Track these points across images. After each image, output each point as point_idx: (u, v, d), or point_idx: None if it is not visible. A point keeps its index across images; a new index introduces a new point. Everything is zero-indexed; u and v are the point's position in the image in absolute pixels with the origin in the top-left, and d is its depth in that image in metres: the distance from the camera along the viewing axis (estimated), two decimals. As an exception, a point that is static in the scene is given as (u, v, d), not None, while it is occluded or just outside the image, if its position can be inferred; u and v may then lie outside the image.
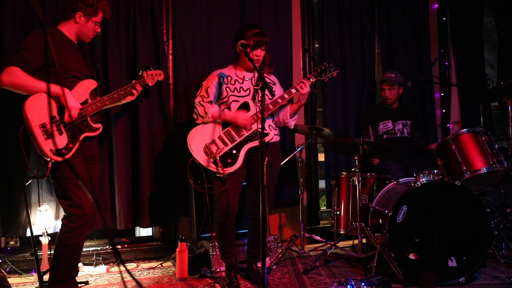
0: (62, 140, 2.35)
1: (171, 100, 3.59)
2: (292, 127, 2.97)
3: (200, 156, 2.67)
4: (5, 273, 2.98)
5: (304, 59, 4.13)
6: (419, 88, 4.46)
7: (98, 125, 2.56)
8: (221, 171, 2.62)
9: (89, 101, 2.52)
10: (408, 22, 4.46)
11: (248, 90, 2.78)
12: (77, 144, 2.41)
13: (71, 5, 2.48)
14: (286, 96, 2.76)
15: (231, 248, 2.81)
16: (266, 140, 2.75)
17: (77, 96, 2.46)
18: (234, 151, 2.70)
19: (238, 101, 2.75)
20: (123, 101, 2.83)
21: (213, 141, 2.70)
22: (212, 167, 2.65)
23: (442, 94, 4.62)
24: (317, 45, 4.21)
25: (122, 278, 2.09)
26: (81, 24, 2.51)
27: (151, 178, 3.44)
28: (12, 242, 3.53)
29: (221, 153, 2.68)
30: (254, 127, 2.71)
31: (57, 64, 2.39)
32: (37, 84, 2.32)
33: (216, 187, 2.72)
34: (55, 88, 2.36)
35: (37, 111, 2.29)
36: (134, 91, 2.78)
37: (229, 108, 2.75)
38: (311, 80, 2.81)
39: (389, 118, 3.90)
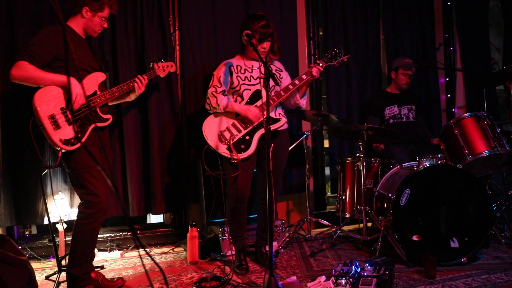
0: (70, 131, 2.45)
1: (179, 91, 3.67)
2: (304, 106, 3.05)
3: (214, 143, 2.77)
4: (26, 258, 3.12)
5: (309, 46, 4.18)
6: (424, 73, 4.48)
7: (108, 116, 2.64)
8: (235, 157, 2.72)
9: (98, 92, 2.61)
10: (413, 8, 4.47)
11: (258, 79, 2.86)
12: (86, 135, 2.50)
13: (78, 1, 2.57)
14: (297, 82, 2.85)
15: (242, 233, 2.92)
16: (277, 126, 2.84)
17: (86, 88, 2.55)
18: (247, 137, 2.79)
19: (250, 89, 2.84)
20: (133, 96, 2.88)
21: (227, 128, 2.79)
22: (226, 153, 2.75)
23: (447, 79, 4.65)
24: (321, 33, 4.25)
25: (141, 259, 2.21)
26: (88, 19, 2.60)
27: (161, 166, 3.55)
28: (27, 232, 3.66)
29: (235, 140, 2.77)
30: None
31: (76, 60, 2.48)
32: (46, 76, 2.41)
33: (229, 172, 2.81)
34: (64, 78, 2.43)
35: (45, 103, 2.39)
36: (138, 81, 2.80)
37: (241, 96, 2.83)
38: (322, 65, 2.89)
39: (395, 103, 3.95)
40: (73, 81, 2.46)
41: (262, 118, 2.78)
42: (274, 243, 3.28)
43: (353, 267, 2.45)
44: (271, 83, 2.46)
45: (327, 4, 4.15)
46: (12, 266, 1.94)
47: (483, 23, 4.68)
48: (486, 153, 3.07)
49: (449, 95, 4.65)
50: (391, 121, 3.94)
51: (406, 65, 3.90)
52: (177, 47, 3.67)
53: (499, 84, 3.87)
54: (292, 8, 4.05)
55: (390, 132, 3.33)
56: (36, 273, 2.88)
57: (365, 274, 2.40)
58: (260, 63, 2.78)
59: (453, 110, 4.64)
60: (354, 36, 4.23)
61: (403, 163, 3.33)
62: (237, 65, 2.88)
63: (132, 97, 2.89)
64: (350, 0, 4.22)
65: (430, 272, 2.62)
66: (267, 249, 3.01)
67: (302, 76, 2.85)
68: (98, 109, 2.59)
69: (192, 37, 3.69)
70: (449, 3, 4.64)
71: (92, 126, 2.54)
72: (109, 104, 2.80)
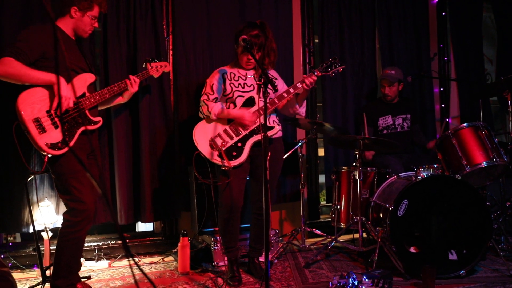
0: (57, 134, 2.35)
1: (172, 96, 3.59)
2: (304, 115, 3.00)
3: (205, 149, 2.69)
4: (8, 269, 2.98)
5: (304, 54, 4.14)
6: (419, 83, 4.47)
7: (98, 119, 2.55)
8: (226, 164, 2.64)
9: (87, 94, 2.51)
10: (408, 17, 4.47)
11: (252, 86, 2.80)
12: (74, 138, 2.40)
13: (66, 1, 2.47)
14: (291, 90, 2.79)
15: (235, 243, 2.83)
16: (270, 134, 2.77)
17: (75, 89, 2.45)
18: (239, 144, 2.72)
19: (243, 96, 2.77)
20: (126, 96, 2.80)
21: (218, 135, 2.72)
22: (217, 160, 2.67)
23: (442, 89, 4.64)
24: (317, 41, 4.21)
25: (132, 270, 2.12)
26: (77, 19, 2.50)
27: (152, 173, 3.44)
28: (11, 238, 3.53)
29: (226, 146, 2.69)
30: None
31: (67, 59, 2.38)
32: (32, 73, 2.30)
33: (221, 181, 2.73)
34: (50, 77, 2.33)
35: (30, 106, 2.29)
36: (130, 82, 2.73)
37: (234, 103, 2.76)
38: (316, 74, 2.83)
39: (389, 113, 3.91)
40: (62, 83, 2.36)
41: (257, 124, 2.72)
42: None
43: (350, 279, 2.38)
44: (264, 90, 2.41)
45: (323, 12, 4.12)
46: (-7, 278, 1.83)
47: (476, 34, 4.71)
48: (484, 164, 3.03)
49: (443, 105, 4.64)
50: (385, 131, 3.89)
51: (382, 77, 3.88)
52: (171, 51, 3.60)
53: (494, 95, 3.87)
54: (288, 15, 4.01)
55: (386, 141, 3.29)
56: (19, 283, 2.77)
57: (363, 287, 2.33)
58: (254, 71, 2.72)
59: (447, 120, 4.62)
60: (350, 44, 4.20)
61: (398, 173, 3.29)
62: (230, 73, 2.82)
63: (125, 97, 2.80)
64: (346, 8, 4.20)
65: (428, 285, 2.56)
66: (261, 259, 2.93)
67: (297, 85, 2.79)
68: (87, 112, 2.49)
69: (185, 42, 3.62)
70: (443, 14, 4.65)
71: (81, 129, 2.43)
72: (100, 108, 2.71)
